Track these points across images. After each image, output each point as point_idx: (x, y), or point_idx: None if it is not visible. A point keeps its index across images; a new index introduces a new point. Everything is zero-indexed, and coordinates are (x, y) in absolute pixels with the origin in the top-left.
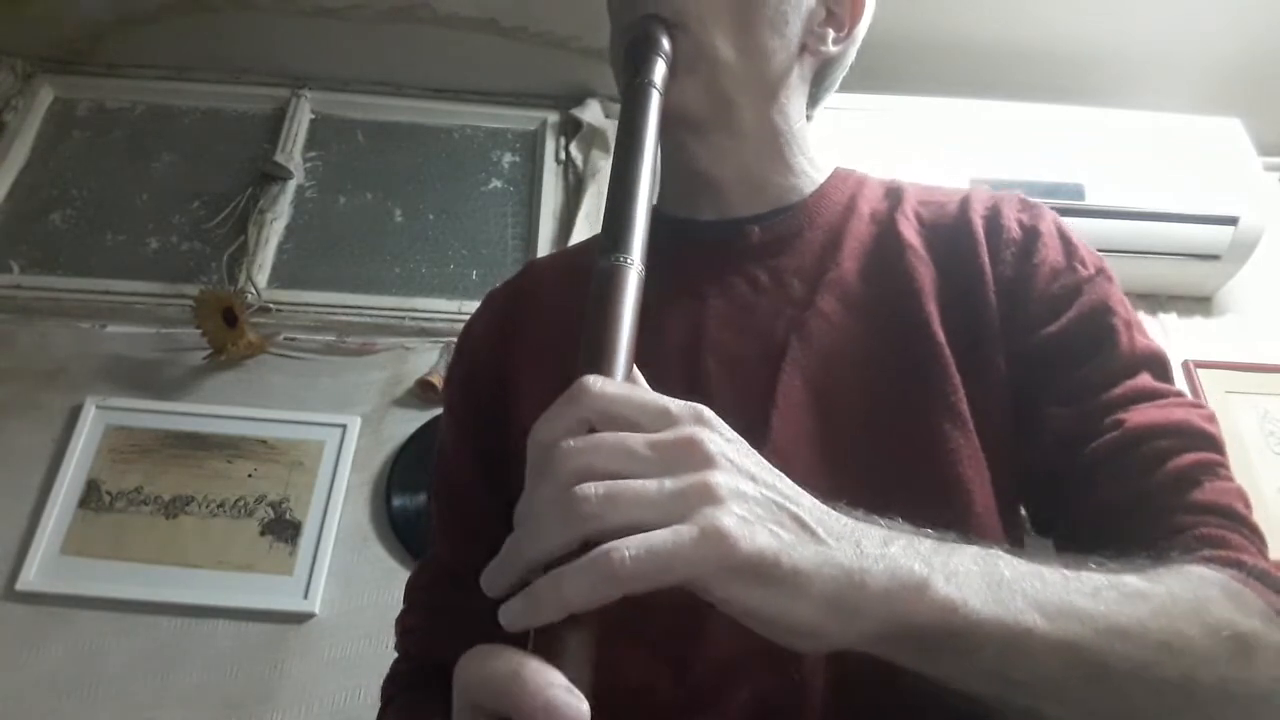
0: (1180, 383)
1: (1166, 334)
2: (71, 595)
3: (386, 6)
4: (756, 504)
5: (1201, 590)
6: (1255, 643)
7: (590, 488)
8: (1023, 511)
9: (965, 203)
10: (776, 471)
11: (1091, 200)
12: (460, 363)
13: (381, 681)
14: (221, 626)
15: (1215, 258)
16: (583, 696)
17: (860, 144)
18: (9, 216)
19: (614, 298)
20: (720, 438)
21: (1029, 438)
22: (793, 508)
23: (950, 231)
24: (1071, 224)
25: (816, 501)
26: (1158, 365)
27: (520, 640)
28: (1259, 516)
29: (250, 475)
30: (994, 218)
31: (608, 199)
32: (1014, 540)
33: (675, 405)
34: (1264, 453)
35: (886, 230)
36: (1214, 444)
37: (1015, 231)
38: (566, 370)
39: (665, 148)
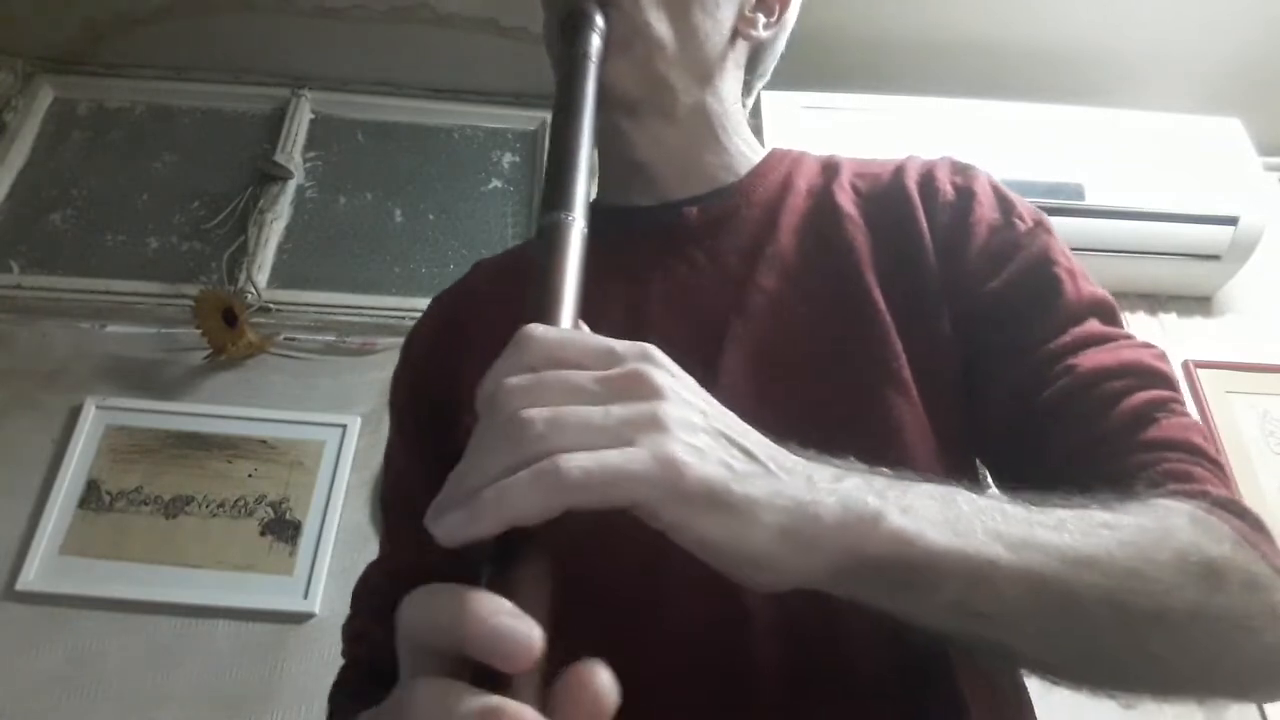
0: (1180, 383)
1: (1166, 334)
2: (71, 595)
3: (386, 6)
4: (706, 434)
5: (1168, 520)
6: (1225, 567)
7: (536, 411)
8: (983, 471)
9: (899, 170)
10: (725, 410)
11: (1091, 200)
12: (405, 369)
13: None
14: (221, 626)
15: (1215, 258)
16: (532, 621)
17: (861, 144)
18: (9, 216)
19: (557, 252)
20: (668, 373)
21: (981, 395)
22: (743, 441)
23: (886, 199)
24: (1071, 224)
25: (766, 439)
26: (1105, 311)
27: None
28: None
29: (250, 475)
30: (928, 182)
31: (547, 164)
32: None
33: (621, 345)
34: (1264, 453)
35: (823, 202)
36: (1166, 381)
37: (950, 193)
38: None
39: (600, 135)
